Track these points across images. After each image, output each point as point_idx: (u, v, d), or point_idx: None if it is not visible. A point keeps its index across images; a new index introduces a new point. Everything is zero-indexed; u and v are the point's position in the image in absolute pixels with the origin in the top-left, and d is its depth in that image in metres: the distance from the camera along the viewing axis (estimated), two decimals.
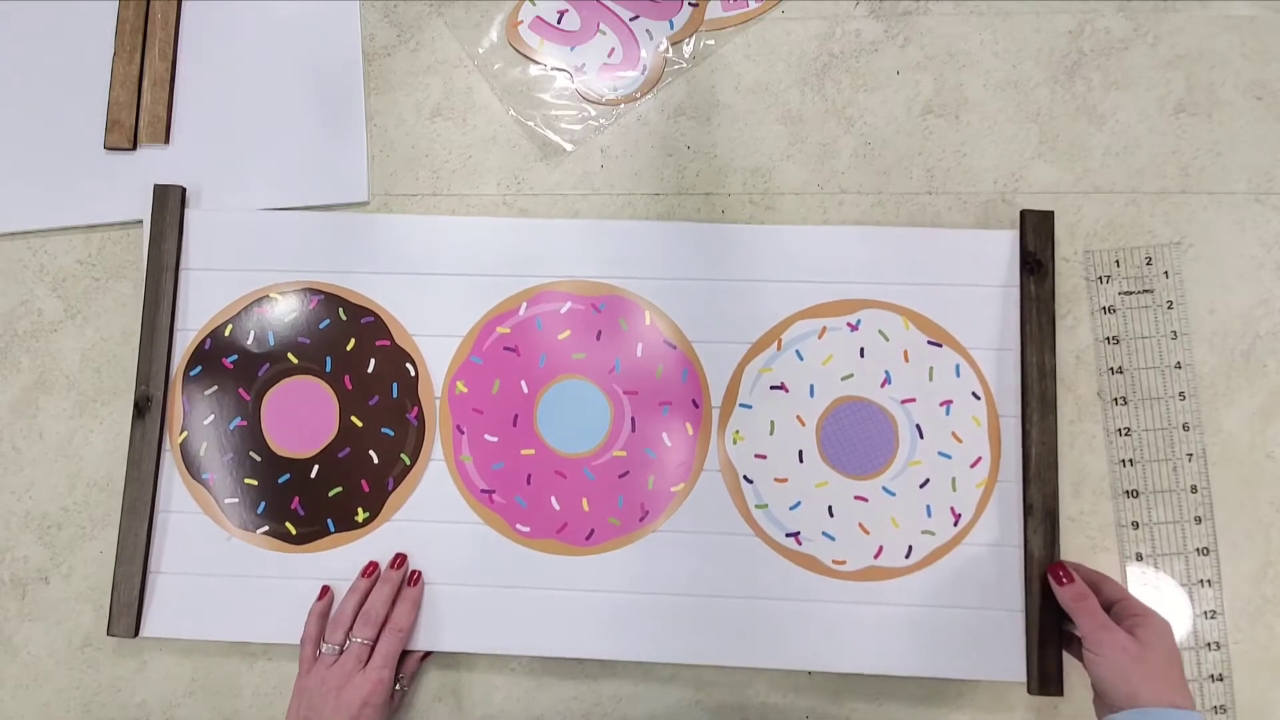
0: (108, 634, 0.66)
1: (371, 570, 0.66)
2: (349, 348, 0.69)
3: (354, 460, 0.68)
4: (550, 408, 0.68)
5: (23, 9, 0.74)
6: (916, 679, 0.65)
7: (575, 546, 0.66)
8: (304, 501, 0.68)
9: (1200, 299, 0.68)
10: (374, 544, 0.67)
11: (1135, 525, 0.66)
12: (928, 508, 0.66)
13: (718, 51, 0.72)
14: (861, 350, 0.67)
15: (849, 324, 0.68)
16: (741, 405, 0.67)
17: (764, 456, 0.67)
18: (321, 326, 0.69)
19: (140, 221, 0.72)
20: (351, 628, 0.63)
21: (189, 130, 0.73)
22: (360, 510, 0.67)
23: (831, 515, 0.66)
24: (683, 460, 0.67)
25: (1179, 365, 0.67)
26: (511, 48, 0.73)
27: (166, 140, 0.72)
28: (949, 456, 0.66)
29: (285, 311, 0.69)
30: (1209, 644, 0.65)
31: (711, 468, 0.67)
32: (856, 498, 0.66)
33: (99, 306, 0.72)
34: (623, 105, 0.72)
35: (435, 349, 0.69)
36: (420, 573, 0.66)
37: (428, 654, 0.67)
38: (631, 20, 0.72)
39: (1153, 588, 0.65)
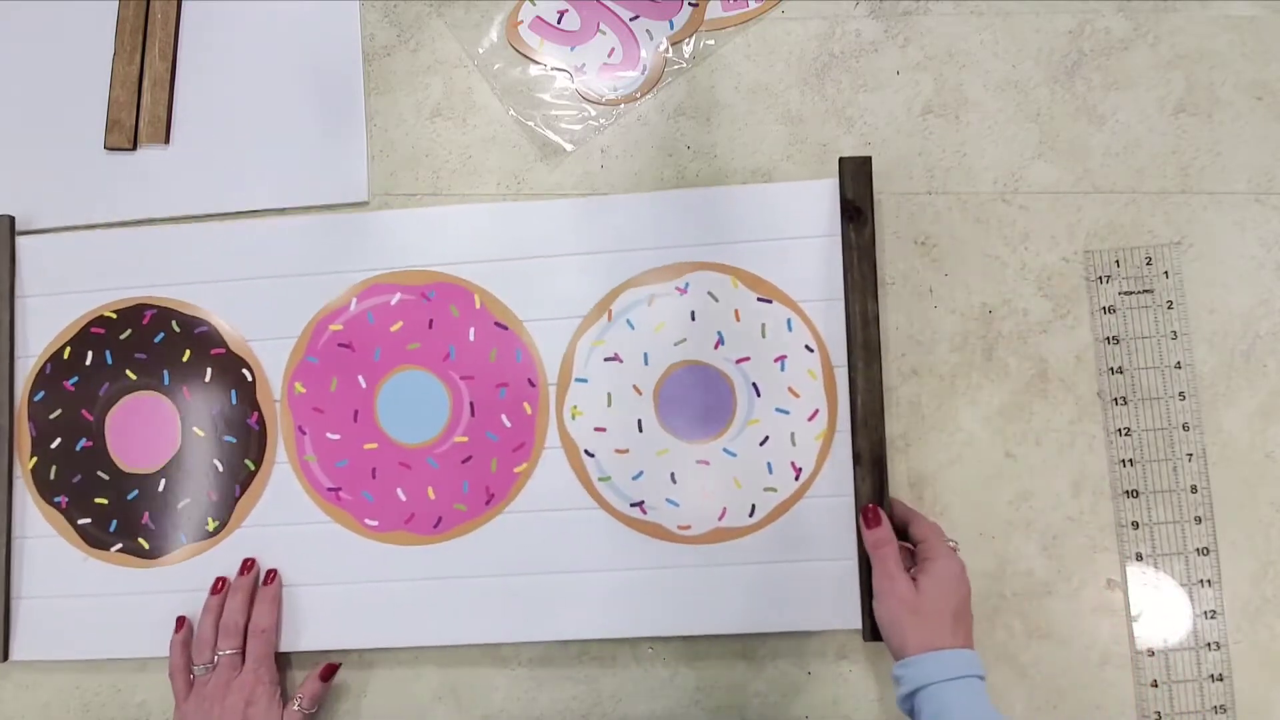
0: None
1: (220, 586, 0.66)
2: (185, 359, 0.69)
3: (199, 470, 0.68)
4: (389, 400, 0.68)
5: (23, 9, 0.74)
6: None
7: (424, 536, 0.67)
8: (154, 516, 0.68)
9: (1200, 299, 0.68)
10: (227, 551, 0.67)
11: (1135, 525, 0.66)
12: (769, 465, 0.66)
13: (718, 51, 0.72)
14: (692, 314, 0.67)
15: (677, 288, 0.67)
16: (577, 380, 0.67)
17: (604, 429, 0.67)
18: (156, 341, 0.69)
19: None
20: (216, 644, 0.63)
21: (189, 130, 0.73)
22: (210, 520, 0.68)
23: (674, 482, 0.66)
24: (523, 440, 0.67)
25: (1179, 365, 0.67)
26: (511, 48, 0.73)
27: (166, 140, 0.73)
28: (787, 412, 0.66)
29: (120, 329, 0.70)
30: (1209, 644, 0.65)
31: (552, 445, 0.67)
32: (698, 462, 0.66)
33: None
34: (623, 105, 0.72)
35: (270, 352, 0.69)
36: (276, 571, 0.66)
37: (332, 673, 0.65)
38: (631, 20, 0.72)
39: (1153, 588, 0.65)
